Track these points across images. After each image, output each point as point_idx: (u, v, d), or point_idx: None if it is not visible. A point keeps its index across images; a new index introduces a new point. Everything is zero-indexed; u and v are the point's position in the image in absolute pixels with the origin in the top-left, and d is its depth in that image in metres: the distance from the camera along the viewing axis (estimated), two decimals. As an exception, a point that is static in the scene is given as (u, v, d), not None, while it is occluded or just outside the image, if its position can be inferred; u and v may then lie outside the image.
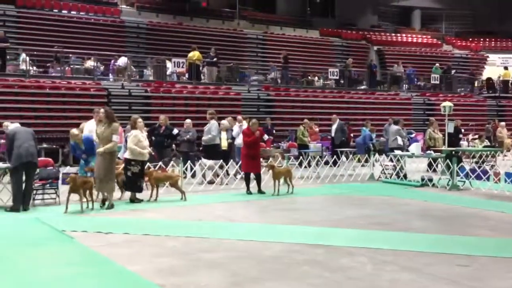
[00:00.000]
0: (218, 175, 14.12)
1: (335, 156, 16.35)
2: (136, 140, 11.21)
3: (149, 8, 32.53)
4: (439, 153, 15.00)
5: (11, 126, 11.19)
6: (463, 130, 22.16)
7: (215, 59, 25.26)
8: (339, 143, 19.03)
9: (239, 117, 16.92)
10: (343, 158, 17.26)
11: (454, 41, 42.57)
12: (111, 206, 10.50)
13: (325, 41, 36.21)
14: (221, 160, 14.17)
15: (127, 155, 11.35)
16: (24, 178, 10.31)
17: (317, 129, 20.69)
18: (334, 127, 19.57)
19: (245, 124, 15.51)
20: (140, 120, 11.68)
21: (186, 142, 15.10)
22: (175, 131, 14.92)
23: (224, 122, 15.71)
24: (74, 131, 11.92)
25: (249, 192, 12.66)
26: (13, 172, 10.30)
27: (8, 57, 22.51)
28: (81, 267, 6.42)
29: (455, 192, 13.21)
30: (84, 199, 10.25)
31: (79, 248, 7.36)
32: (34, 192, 10.84)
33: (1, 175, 13.53)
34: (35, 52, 22.97)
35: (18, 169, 10.17)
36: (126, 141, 12.15)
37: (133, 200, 11.37)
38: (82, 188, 10.12)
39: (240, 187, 13.39)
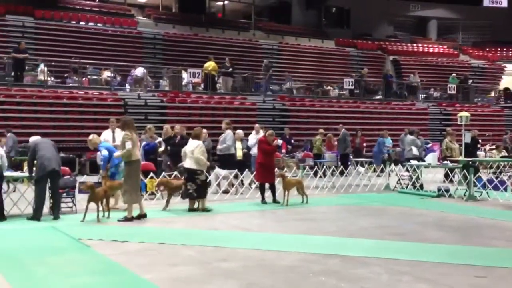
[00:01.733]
0: (233, 185, 14.14)
1: (341, 166, 16.32)
2: (202, 151, 11.40)
3: (166, 19, 32.89)
4: (456, 163, 14.88)
5: (32, 138, 11.29)
6: (480, 140, 21.97)
7: (230, 69, 25.36)
8: (342, 153, 19.00)
9: (256, 125, 16.93)
10: (359, 168, 17.18)
11: (471, 51, 42.32)
12: (128, 219, 10.16)
13: (341, 51, 36.22)
14: (236, 170, 14.19)
15: (193, 165, 11.37)
16: (49, 187, 10.44)
17: (335, 143, 20.66)
18: (339, 137, 19.54)
19: (261, 134, 15.58)
20: (205, 130, 11.78)
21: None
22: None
23: (239, 132, 15.76)
24: (95, 136, 11.93)
25: (264, 201, 12.66)
26: (37, 183, 10.36)
27: (26, 67, 22.89)
28: (97, 276, 6.46)
29: (472, 202, 13.08)
30: (101, 208, 10.33)
31: (96, 257, 7.40)
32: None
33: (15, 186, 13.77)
34: (53, 63, 23.31)
35: (43, 179, 10.26)
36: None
37: (193, 209, 11.51)
38: (100, 197, 10.21)
39: (255, 196, 13.39)
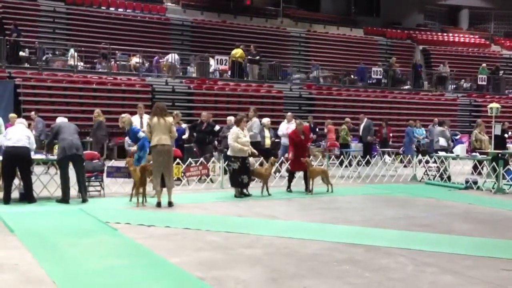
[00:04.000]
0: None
1: (367, 156, 16.20)
2: (235, 137, 11.52)
3: (194, 6, 32.92)
4: (485, 156, 14.65)
5: (58, 120, 11.59)
6: (510, 133, 21.54)
7: (257, 57, 25.25)
8: (366, 142, 18.84)
9: (289, 114, 16.84)
10: (386, 158, 17.05)
11: (503, 41, 41.39)
12: (156, 204, 10.16)
13: (369, 40, 35.81)
14: (262, 158, 14.21)
15: (229, 152, 11.66)
16: (75, 171, 10.64)
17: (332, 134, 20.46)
18: (362, 126, 19.34)
19: (293, 122, 15.62)
20: (245, 119, 11.92)
21: (227, 138, 15.11)
22: (217, 127, 15.04)
23: (266, 120, 15.75)
24: (129, 116, 12.11)
25: (289, 190, 12.67)
26: (59, 165, 10.79)
27: (57, 52, 23.23)
28: (124, 258, 6.58)
29: (501, 195, 12.88)
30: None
31: (122, 240, 7.54)
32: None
33: (48, 167, 14.05)
34: (83, 48, 23.55)
35: (63, 162, 10.48)
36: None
37: (237, 196, 11.65)
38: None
39: (280, 185, 13.42)
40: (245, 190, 11.85)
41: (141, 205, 10.25)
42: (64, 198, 10.36)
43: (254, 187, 12.38)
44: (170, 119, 10.55)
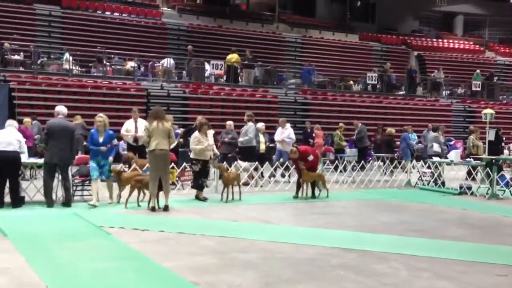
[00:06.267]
0: (253, 177, 14.17)
1: (362, 161, 16.20)
2: (197, 141, 11.66)
3: (190, 10, 33.00)
4: (479, 161, 14.68)
5: (50, 122, 11.04)
6: (504, 138, 21.63)
7: (255, 62, 25.24)
8: (361, 147, 18.86)
9: (281, 119, 16.83)
10: (380, 163, 17.06)
11: (497, 47, 41.61)
12: (150, 208, 10.22)
13: (364, 45, 35.94)
14: (257, 162, 14.21)
15: (191, 155, 11.93)
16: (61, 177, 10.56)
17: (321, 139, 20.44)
18: (356, 131, 19.37)
19: (287, 127, 15.77)
20: (206, 126, 12.00)
21: (226, 144, 15.09)
22: (211, 132, 14.96)
23: (261, 125, 15.75)
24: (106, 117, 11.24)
25: (295, 196, 12.60)
26: (44, 168, 10.58)
27: (52, 56, 23.18)
28: (117, 262, 6.55)
29: (495, 201, 12.91)
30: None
31: (116, 244, 7.50)
32: (74, 188, 11.10)
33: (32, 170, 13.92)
34: (78, 52, 23.52)
35: (48, 166, 10.37)
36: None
37: (197, 197, 11.78)
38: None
39: (275, 189, 13.40)
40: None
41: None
42: (47, 202, 10.26)
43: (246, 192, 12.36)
44: (168, 124, 10.63)
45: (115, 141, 11.15)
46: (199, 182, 11.80)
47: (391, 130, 19.54)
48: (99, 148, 10.65)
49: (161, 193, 10.41)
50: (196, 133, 11.94)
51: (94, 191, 10.66)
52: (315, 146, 19.52)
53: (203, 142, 11.70)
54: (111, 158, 10.91)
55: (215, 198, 12.02)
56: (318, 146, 19.47)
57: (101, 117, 10.96)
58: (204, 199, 11.76)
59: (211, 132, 12.30)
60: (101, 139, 10.70)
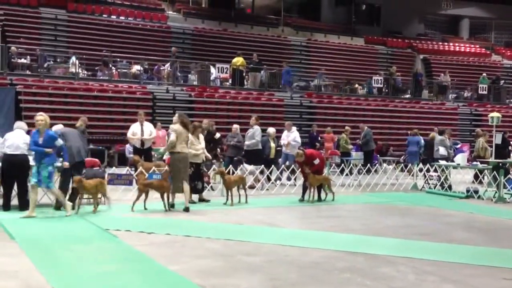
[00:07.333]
0: (259, 180, 14.16)
1: (368, 165, 16.15)
2: (190, 144, 11.58)
3: (195, 14, 33.03)
4: (486, 165, 14.63)
5: (54, 128, 11.12)
6: (511, 142, 21.53)
7: (261, 65, 25.29)
8: (366, 151, 18.80)
9: (287, 123, 16.82)
10: (385, 166, 17.05)
11: (503, 51, 41.44)
12: (170, 206, 10.83)
13: (370, 49, 35.86)
14: (262, 166, 14.20)
15: None
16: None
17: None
18: (361, 135, 19.32)
19: (293, 131, 15.75)
20: (200, 129, 12.21)
21: (232, 147, 15.05)
22: (218, 135, 15.01)
23: (271, 130, 15.70)
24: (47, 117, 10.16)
25: (301, 199, 12.61)
26: (64, 171, 10.53)
27: (58, 59, 23.28)
28: (123, 264, 6.56)
29: (502, 204, 12.85)
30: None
31: (122, 246, 7.52)
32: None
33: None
34: (84, 56, 23.60)
35: (70, 168, 10.36)
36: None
37: (201, 200, 11.93)
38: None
39: (281, 192, 13.40)
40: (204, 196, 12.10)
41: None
42: (58, 204, 10.28)
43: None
44: (191, 137, 11.33)
45: (58, 142, 9.91)
46: (192, 185, 11.53)
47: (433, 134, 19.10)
48: (40, 149, 9.61)
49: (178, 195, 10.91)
50: (190, 136, 11.78)
51: (32, 199, 9.66)
52: (325, 150, 19.53)
53: (196, 145, 11.75)
54: (63, 163, 10.17)
55: (221, 201, 12.01)
56: (327, 149, 19.46)
57: (41, 115, 9.95)
58: (206, 201, 11.94)
59: (202, 136, 12.34)
60: (40, 140, 9.66)
